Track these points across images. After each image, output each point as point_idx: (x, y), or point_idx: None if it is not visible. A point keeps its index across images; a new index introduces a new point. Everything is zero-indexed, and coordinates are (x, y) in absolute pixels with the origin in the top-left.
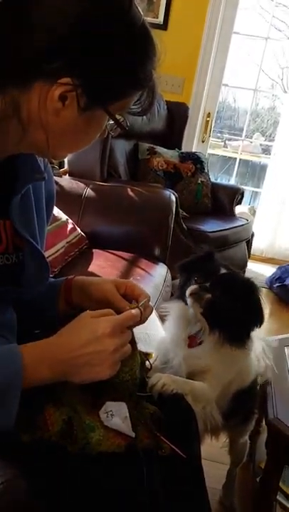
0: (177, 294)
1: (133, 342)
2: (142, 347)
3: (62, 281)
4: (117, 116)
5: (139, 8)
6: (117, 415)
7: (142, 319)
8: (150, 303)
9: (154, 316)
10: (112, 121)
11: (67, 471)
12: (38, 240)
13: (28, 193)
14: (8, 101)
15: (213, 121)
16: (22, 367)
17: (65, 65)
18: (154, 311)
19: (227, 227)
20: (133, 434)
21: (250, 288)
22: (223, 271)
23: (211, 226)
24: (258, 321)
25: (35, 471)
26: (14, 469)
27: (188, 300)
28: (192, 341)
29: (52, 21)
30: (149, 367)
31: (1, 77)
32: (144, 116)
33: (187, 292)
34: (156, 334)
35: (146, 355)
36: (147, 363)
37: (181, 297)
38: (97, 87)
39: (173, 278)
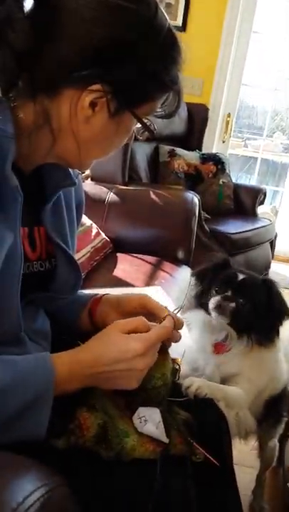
0: (196, 303)
1: (165, 348)
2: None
3: (89, 297)
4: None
5: (164, 12)
6: (150, 421)
7: (176, 327)
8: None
9: None
10: (139, 126)
11: (98, 476)
12: (70, 246)
13: (59, 200)
14: (39, 110)
15: (234, 121)
16: (54, 382)
17: (94, 72)
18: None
19: (250, 229)
20: (167, 440)
21: (269, 287)
22: (241, 276)
23: (233, 227)
24: (283, 315)
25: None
26: (59, 476)
27: (213, 313)
28: (220, 348)
29: (79, 30)
30: (178, 370)
31: (32, 85)
32: (165, 119)
33: (210, 305)
34: (182, 339)
35: (173, 361)
36: (176, 366)
37: (201, 306)
38: (125, 92)
39: None
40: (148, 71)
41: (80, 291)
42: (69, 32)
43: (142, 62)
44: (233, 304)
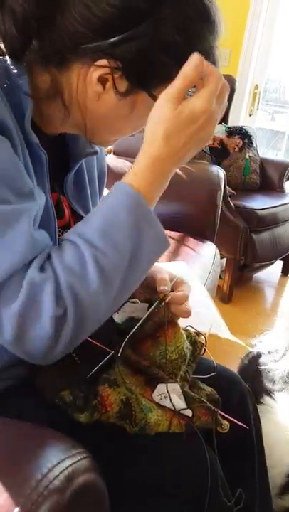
0: None
1: (174, 322)
2: (194, 326)
3: None
4: None
5: None
6: (171, 394)
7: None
8: (200, 282)
9: (204, 295)
10: None
11: (125, 451)
12: None
13: (81, 169)
14: (51, 81)
15: (261, 93)
16: (139, 193)
17: (100, 46)
18: (204, 290)
19: (277, 204)
20: (190, 412)
21: None
22: None
23: (259, 203)
24: None
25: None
26: (83, 448)
27: None
28: None
29: (87, 1)
30: (204, 345)
31: (41, 55)
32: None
33: None
34: (206, 313)
35: (198, 334)
36: (202, 341)
37: None
38: (138, 70)
39: (221, 257)
40: (164, 46)
41: None
42: (72, 2)
43: (157, 36)
44: None
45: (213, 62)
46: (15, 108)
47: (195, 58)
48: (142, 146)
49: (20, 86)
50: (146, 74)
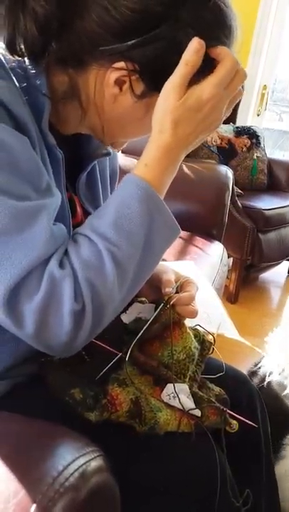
0: None
1: (181, 322)
2: (203, 326)
3: None
4: None
5: None
6: (180, 394)
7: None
8: (208, 282)
9: (213, 295)
10: None
11: (134, 450)
12: None
13: (94, 170)
14: (69, 82)
15: (269, 93)
16: (150, 185)
17: (119, 49)
18: (212, 289)
19: (284, 205)
20: (199, 412)
21: None
22: None
23: (266, 203)
24: None
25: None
26: (96, 446)
27: None
28: None
29: (105, 4)
30: (212, 344)
31: (60, 57)
32: None
33: None
34: (215, 313)
35: (207, 334)
36: (210, 338)
37: None
38: (155, 72)
39: (229, 257)
40: (182, 50)
41: None
42: (93, 3)
43: (174, 40)
44: None
45: None
46: (33, 108)
47: (195, 42)
48: (150, 136)
49: (39, 87)
50: (162, 77)
